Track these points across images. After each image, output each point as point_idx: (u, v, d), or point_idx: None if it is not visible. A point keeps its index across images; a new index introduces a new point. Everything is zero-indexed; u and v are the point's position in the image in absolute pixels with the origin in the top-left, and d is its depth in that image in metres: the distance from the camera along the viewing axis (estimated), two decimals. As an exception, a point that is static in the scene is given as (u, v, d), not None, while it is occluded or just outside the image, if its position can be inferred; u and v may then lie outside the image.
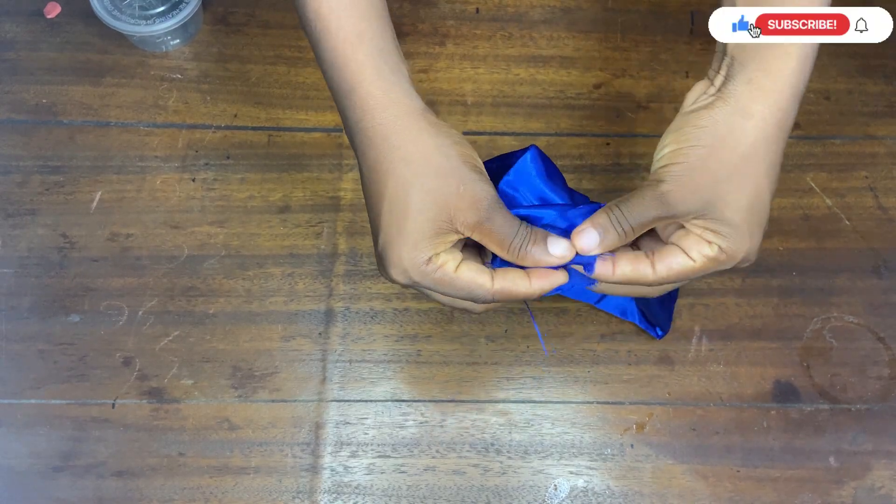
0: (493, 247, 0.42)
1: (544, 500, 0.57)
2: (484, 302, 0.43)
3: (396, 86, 0.43)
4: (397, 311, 0.61)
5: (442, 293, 0.44)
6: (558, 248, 0.42)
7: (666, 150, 0.42)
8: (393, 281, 0.43)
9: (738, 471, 0.58)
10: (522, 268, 0.43)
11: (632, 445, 0.58)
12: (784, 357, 0.61)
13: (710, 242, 0.42)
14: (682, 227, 0.43)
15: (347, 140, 0.45)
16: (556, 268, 0.43)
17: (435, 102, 0.67)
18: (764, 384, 0.60)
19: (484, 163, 0.45)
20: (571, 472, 0.58)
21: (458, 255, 0.43)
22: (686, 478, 0.58)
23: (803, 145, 0.67)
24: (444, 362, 0.60)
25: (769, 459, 0.58)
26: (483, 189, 0.42)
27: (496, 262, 0.44)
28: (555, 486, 0.57)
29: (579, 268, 0.43)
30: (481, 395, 0.59)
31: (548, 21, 0.70)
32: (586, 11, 0.71)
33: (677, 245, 0.43)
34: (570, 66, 0.68)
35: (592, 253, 0.42)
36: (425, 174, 0.42)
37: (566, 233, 0.43)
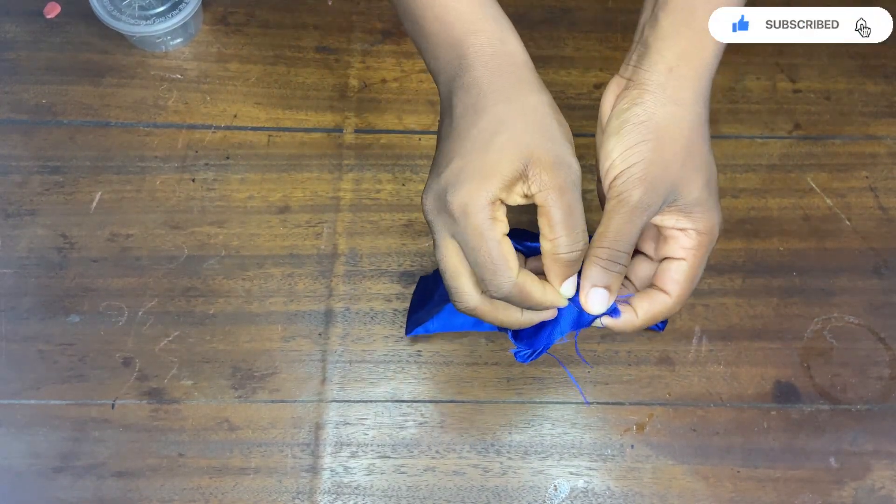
0: (544, 225, 0.41)
1: (544, 501, 0.57)
2: (496, 288, 0.41)
3: (510, 35, 0.43)
4: (397, 312, 0.61)
5: (471, 247, 0.41)
6: (572, 286, 0.43)
7: (614, 155, 0.42)
8: (443, 206, 0.41)
9: (739, 471, 0.58)
10: None
11: (632, 446, 0.58)
12: (784, 357, 0.61)
13: (685, 230, 0.43)
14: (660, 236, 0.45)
15: (440, 95, 0.45)
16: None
17: (436, 102, 0.67)
18: (764, 384, 0.60)
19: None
20: (571, 473, 0.58)
21: (507, 226, 0.42)
22: (686, 478, 0.58)
23: (803, 145, 0.67)
24: (444, 363, 0.60)
25: (769, 460, 0.58)
26: (571, 161, 0.41)
27: None
28: (555, 486, 0.57)
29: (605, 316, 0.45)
30: (481, 395, 0.59)
31: (548, 21, 0.70)
32: (586, 11, 0.71)
33: (666, 255, 0.44)
34: (570, 66, 0.68)
35: (597, 313, 0.43)
36: (521, 119, 0.41)
37: None
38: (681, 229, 0.43)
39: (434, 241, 0.43)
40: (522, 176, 0.40)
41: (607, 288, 0.43)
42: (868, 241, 0.64)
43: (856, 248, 0.64)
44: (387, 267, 0.62)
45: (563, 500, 0.57)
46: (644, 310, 0.44)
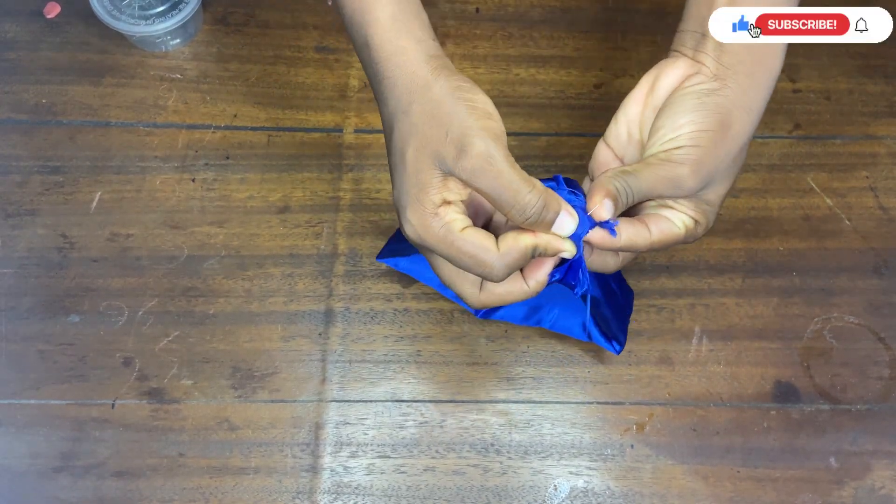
0: (492, 197, 0.39)
1: (544, 501, 0.57)
2: (490, 270, 0.40)
3: (405, 34, 0.42)
4: (397, 312, 0.61)
5: (448, 256, 0.41)
6: (564, 221, 0.41)
7: (683, 130, 0.42)
8: (410, 240, 0.42)
9: (739, 471, 0.58)
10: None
11: (632, 446, 0.58)
12: (784, 357, 0.61)
13: (684, 214, 0.44)
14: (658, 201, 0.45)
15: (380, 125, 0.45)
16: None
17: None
18: (764, 384, 0.60)
19: None
20: (571, 473, 0.58)
21: (467, 219, 0.41)
22: (686, 478, 0.58)
23: (804, 145, 0.67)
24: (444, 362, 0.60)
25: (769, 460, 0.58)
26: (471, 132, 0.39)
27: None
28: (555, 486, 0.57)
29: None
30: (481, 395, 0.59)
31: (548, 21, 0.70)
32: (586, 11, 0.71)
33: (665, 215, 0.45)
34: (570, 66, 0.68)
35: (605, 219, 0.42)
36: (419, 123, 0.41)
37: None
38: (689, 215, 0.44)
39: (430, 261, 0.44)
40: (446, 172, 0.40)
41: (615, 203, 0.42)
42: (868, 241, 0.64)
43: (856, 248, 0.64)
44: (387, 267, 0.62)
45: (563, 500, 0.57)
46: (626, 233, 0.43)
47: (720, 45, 0.44)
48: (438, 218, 0.40)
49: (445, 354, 0.60)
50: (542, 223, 0.40)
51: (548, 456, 0.58)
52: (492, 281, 0.42)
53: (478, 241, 0.40)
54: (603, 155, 0.47)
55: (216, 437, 0.58)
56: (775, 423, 0.59)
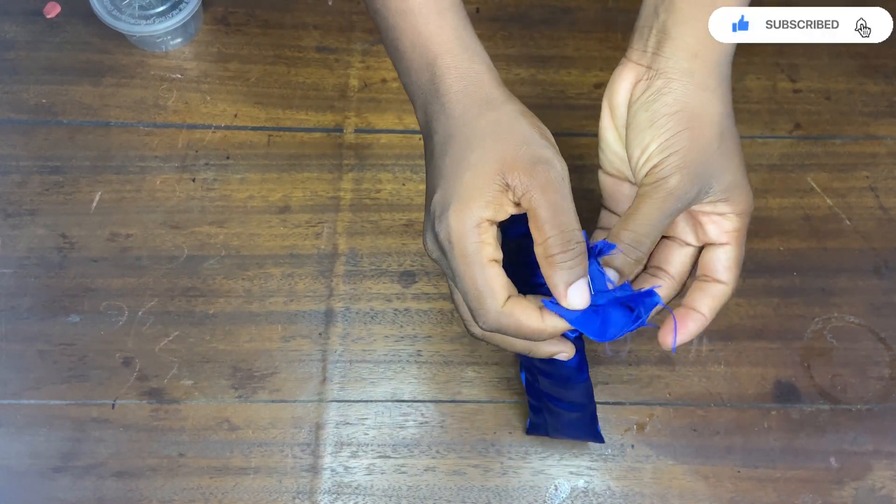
0: (534, 229, 0.39)
1: (545, 501, 0.57)
2: (483, 318, 0.40)
3: (476, 53, 0.42)
4: (397, 312, 0.61)
5: (458, 274, 0.40)
6: (576, 293, 0.39)
7: (651, 148, 0.41)
8: (436, 239, 0.40)
9: (739, 471, 0.58)
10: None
11: (632, 446, 0.58)
12: (785, 357, 0.61)
13: (724, 215, 0.43)
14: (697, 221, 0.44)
15: (419, 122, 0.44)
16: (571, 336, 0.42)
17: (435, 102, 0.67)
18: (765, 384, 0.60)
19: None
20: (572, 473, 0.58)
21: (499, 252, 0.40)
22: (687, 478, 0.58)
23: (804, 145, 0.67)
24: (445, 362, 0.60)
25: (770, 460, 0.58)
26: (550, 157, 0.40)
27: None
28: (555, 486, 0.57)
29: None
30: (481, 395, 0.59)
31: (548, 21, 0.70)
32: (586, 11, 0.71)
33: (707, 242, 0.44)
34: (570, 66, 0.68)
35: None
36: (490, 133, 0.40)
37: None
38: (720, 214, 0.43)
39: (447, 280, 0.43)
40: (503, 186, 0.39)
41: (620, 272, 0.41)
42: (868, 241, 0.64)
43: (856, 248, 0.64)
44: (387, 267, 0.62)
45: (563, 500, 0.57)
46: (708, 306, 0.43)
47: (662, 36, 0.42)
48: (477, 233, 0.39)
49: (446, 354, 0.60)
50: (564, 270, 0.39)
51: (548, 456, 0.58)
52: (476, 325, 0.41)
53: (492, 284, 0.39)
54: (608, 185, 0.46)
55: (216, 437, 0.58)
56: (775, 423, 0.59)
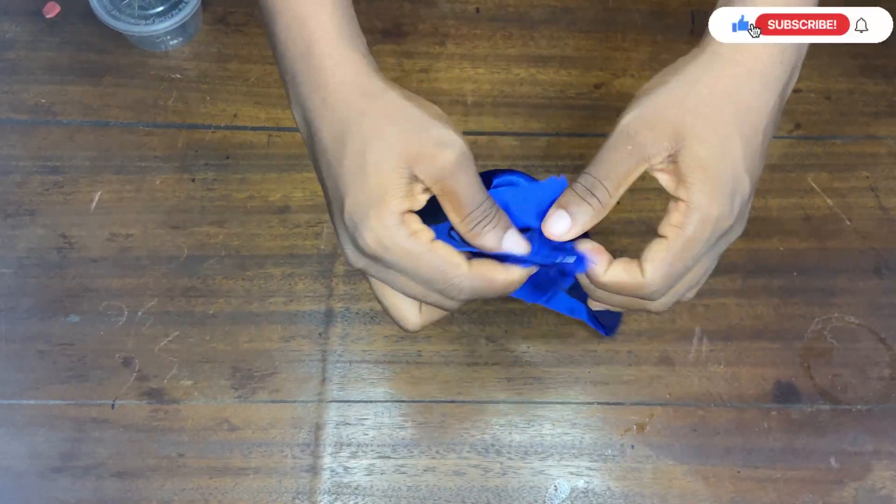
0: (450, 210, 0.39)
1: (545, 501, 0.57)
2: (457, 292, 0.39)
3: (356, 48, 0.41)
4: (397, 312, 0.61)
5: (411, 270, 0.39)
6: (512, 243, 0.39)
7: (624, 118, 0.40)
8: (362, 252, 0.39)
9: (739, 471, 0.58)
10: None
11: (632, 446, 0.58)
12: (785, 357, 0.61)
13: (678, 202, 0.38)
14: None
15: (294, 117, 0.42)
16: (526, 264, 0.40)
17: (435, 102, 0.66)
18: (765, 385, 0.60)
19: (494, 171, 0.43)
20: (572, 473, 0.58)
21: (431, 230, 0.39)
22: (687, 479, 0.58)
23: (804, 145, 0.67)
24: (445, 363, 0.60)
25: (770, 460, 0.58)
26: (450, 138, 0.38)
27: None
28: (555, 486, 0.57)
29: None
30: (481, 395, 0.59)
31: (548, 21, 0.70)
32: (586, 11, 0.71)
33: (647, 247, 0.40)
34: (570, 66, 0.68)
35: (566, 238, 0.39)
36: (385, 124, 0.38)
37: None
38: (677, 199, 0.39)
39: (370, 285, 0.42)
40: (411, 178, 0.38)
41: (572, 214, 0.39)
42: (868, 241, 0.64)
43: (856, 248, 0.64)
44: (387, 267, 0.62)
45: (563, 501, 0.57)
46: (614, 272, 0.39)
47: None
48: (405, 227, 0.38)
49: (445, 354, 0.60)
50: (492, 232, 0.39)
51: (548, 456, 0.58)
52: (451, 300, 0.40)
53: (447, 257, 0.38)
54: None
55: (216, 437, 0.58)
56: (776, 424, 0.59)
